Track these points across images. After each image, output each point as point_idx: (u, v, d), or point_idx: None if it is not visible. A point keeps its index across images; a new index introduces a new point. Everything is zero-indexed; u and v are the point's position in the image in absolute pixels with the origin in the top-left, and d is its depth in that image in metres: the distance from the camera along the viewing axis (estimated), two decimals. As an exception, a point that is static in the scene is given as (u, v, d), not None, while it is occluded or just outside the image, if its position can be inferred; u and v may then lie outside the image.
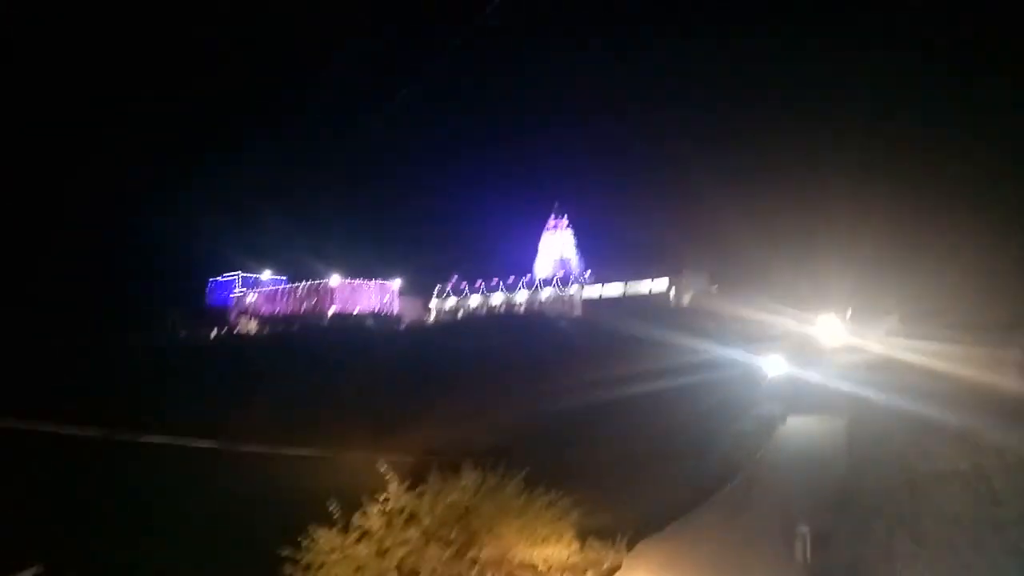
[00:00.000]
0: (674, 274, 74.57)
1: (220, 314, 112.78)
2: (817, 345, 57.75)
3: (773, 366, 44.77)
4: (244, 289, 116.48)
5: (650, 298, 72.71)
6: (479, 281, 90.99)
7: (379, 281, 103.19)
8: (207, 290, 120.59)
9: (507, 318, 73.20)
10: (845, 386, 39.06)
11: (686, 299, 72.14)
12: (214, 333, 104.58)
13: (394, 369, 52.73)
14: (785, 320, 58.66)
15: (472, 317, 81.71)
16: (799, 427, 35.41)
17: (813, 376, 45.05)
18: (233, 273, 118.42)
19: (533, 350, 56.67)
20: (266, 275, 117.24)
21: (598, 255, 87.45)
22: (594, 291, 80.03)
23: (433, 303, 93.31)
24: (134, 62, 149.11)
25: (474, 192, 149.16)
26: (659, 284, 74.84)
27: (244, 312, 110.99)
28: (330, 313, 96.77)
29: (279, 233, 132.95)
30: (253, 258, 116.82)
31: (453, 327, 76.75)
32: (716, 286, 72.98)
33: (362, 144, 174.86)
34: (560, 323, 69.19)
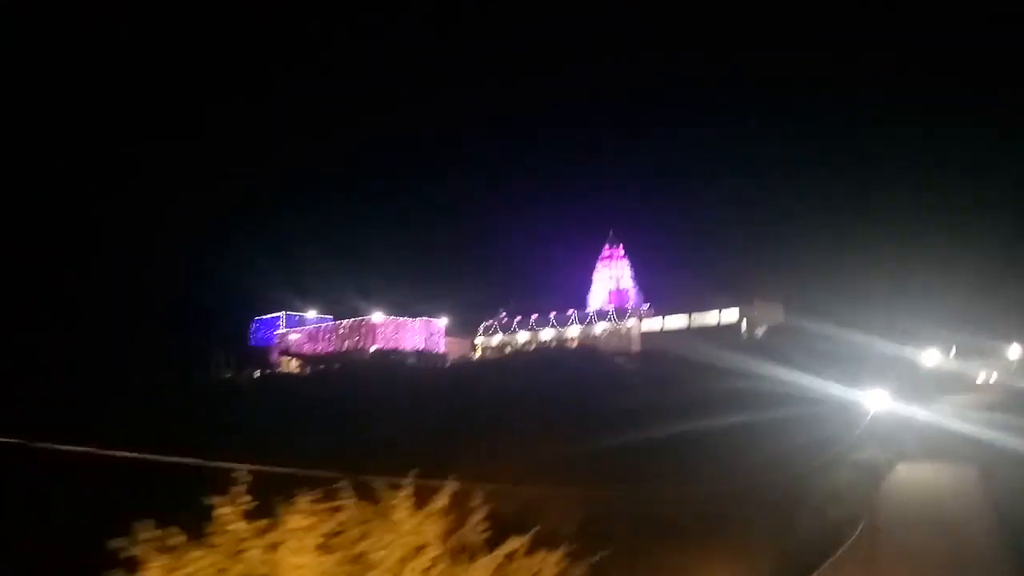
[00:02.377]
0: (745, 304, 66.48)
1: (263, 354, 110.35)
2: (923, 379, 50.10)
3: (874, 401, 37.85)
4: (287, 328, 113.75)
5: (719, 330, 64.71)
6: (529, 316, 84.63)
7: (424, 319, 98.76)
8: (251, 330, 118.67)
9: (556, 354, 66.08)
10: (966, 428, 33.80)
11: (760, 331, 63.87)
12: (257, 373, 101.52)
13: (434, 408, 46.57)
14: (882, 352, 50.76)
15: (519, 354, 74.87)
16: (915, 477, 28.70)
17: (923, 415, 37.93)
18: (278, 312, 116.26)
19: (582, 388, 49.78)
20: (311, 314, 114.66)
21: (657, 286, 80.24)
22: (654, 323, 72.44)
23: (479, 340, 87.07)
24: (179, 100, 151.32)
25: (525, 224, 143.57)
26: (728, 315, 66.82)
27: (286, 351, 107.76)
28: (371, 351, 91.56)
29: (326, 272, 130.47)
30: (300, 297, 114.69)
31: (496, 365, 70.10)
32: (792, 317, 64.46)
33: (410, 180, 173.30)
34: (616, 359, 61.73)
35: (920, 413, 38.15)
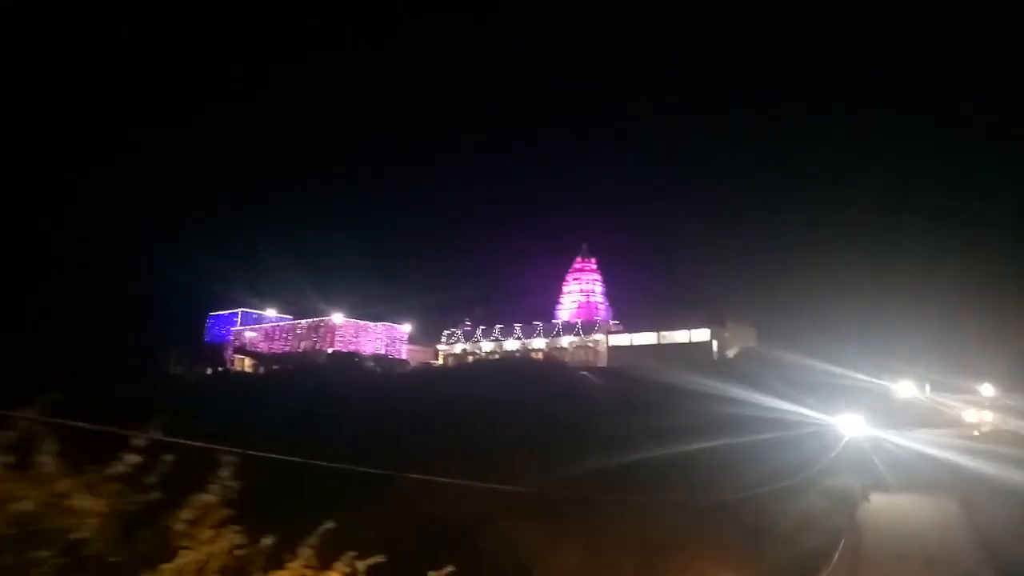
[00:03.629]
0: (716, 325, 64.48)
1: (217, 351, 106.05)
2: (897, 411, 48.85)
3: (849, 427, 36.28)
4: (244, 326, 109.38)
5: (688, 349, 62.58)
6: (495, 326, 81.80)
7: (386, 324, 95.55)
8: (206, 326, 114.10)
9: (518, 365, 63.23)
10: (944, 455, 31.88)
11: (730, 353, 61.87)
12: (208, 371, 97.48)
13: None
14: (855, 382, 49.29)
15: (480, 364, 71.85)
16: (892, 508, 26.95)
17: (899, 442, 36.53)
18: (235, 309, 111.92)
19: (547, 401, 47.07)
20: (270, 312, 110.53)
21: (628, 302, 78.17)
22: (622, 339, 70.03)
23: (441, 347, 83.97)
24: (140, 91, 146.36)
25: (495, 233, 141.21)
26: (699, 335, 64.73)
27: (241, 349, 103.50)
28: (329, 353, 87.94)
29: (289, 271, 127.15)
30: (260, 295, 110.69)
31: (456, 373, 67.06)
32: (764, 342, 62.71)
33: (381, 184, 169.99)
34: (582, 373, 59.17)
35: (896, 440, 36.80)
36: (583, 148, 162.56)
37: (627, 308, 76.18)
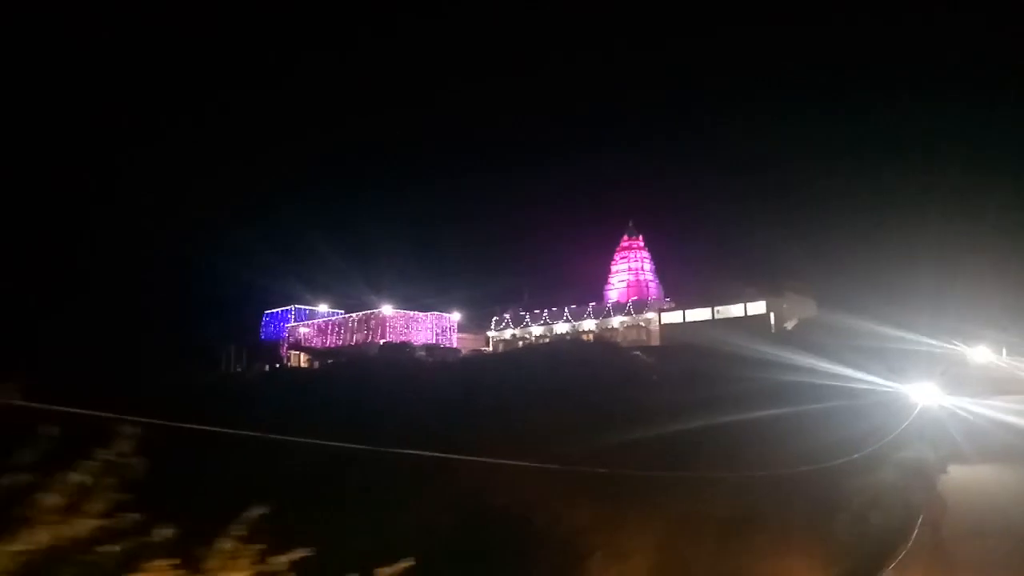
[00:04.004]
0: (773, 297, 61.82)
1: (273, 348, 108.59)
2: (973, 377, 46.03)
3: (922, 395, 34.21)
4: (297, 322, 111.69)
5: (745, 323, 60.16)
6: (544, 309, 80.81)
7: (436, 313, 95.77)
8: (261, 324, 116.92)
9: (568, 348, 61.97)
10: None
11: (789, 325, 59.24)
12: (267, 368, 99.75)
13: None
14: (927, 348, 46.48)
15: (529, 349, 70.93)
16: (972, 481, 25.09)
17: (977, 410, 34.24)
18: (288, 306, 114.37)
19: (596, 382, 45.78)
20: (322, 308, 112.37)
21: (679, 278, 75.90)
22: (675, 316, 67.95)
23: (491, 333, 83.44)
24: (187, 95, 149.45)
25: (542, 216, 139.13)
26: (755, 308, 62.19)
27: (295, 345, 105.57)
28: (380, 344, 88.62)
29: (340, 266, 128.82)
30: (312, 291, 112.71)
31: (507, 358, 66.32)
32: (825, 311, 59.77)
33: (426, 173, 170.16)
34: (634, 352, 57.59)
35: (973, 408, 34.61)
36: (623, 124, 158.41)
37: (679, 284, 74.14)
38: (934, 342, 48.31)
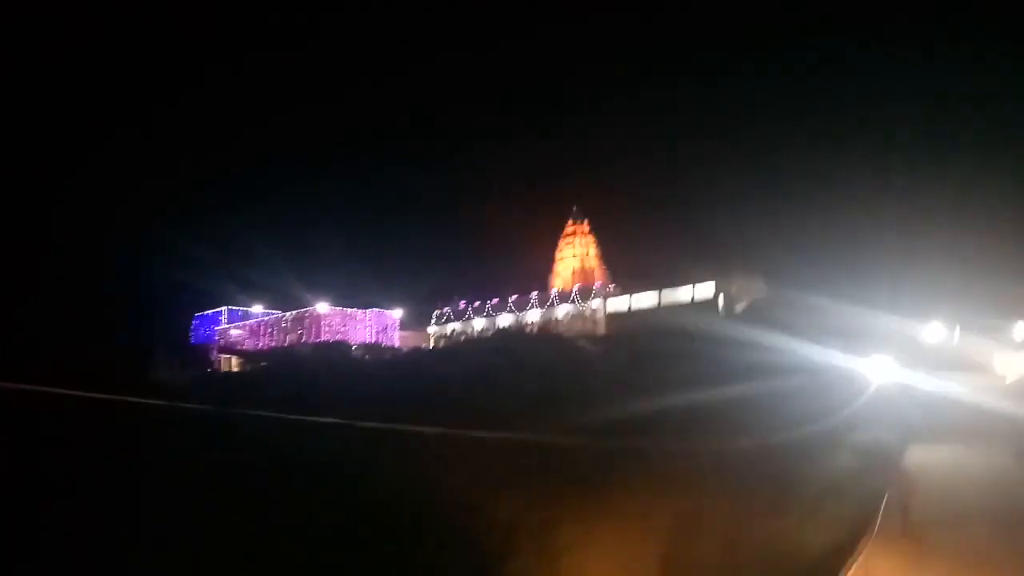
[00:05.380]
0: (721, 278, 59.37)
1: (204, 352, 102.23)
2: (926, 354, 44.39)
3: (876, 371, 32.54)
4: (229, 323, 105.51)
5: (693, 307, 57.56)
6: (487, 302, 77.04)
7: (376, 310, 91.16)
8: (192, 327, 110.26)
9: (510, 340, 58.42)
10: (980, 401, 28.25)
11: (739, 306, 56.82)
12: (194, 373, 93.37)
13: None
14: (880, 326, 44.49)
15: (472, 342, 67.17)
16: (937, 463, 22.86)
17: (934, 386, 32.61)
18: (220, 307, 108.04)
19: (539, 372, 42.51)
20: (256, 308, 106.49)
21: (626, 263, 73.00)
22: (621, 303, 65.02)
23: (432, 329, 79.40)
24: (116, 87, 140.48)
25: (481, 205, 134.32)
26: (703, 290, 59.65)
27: (226, 348, 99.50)
28: (314, 344, 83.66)
29: (275, 265, 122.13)
30: (247, 291, 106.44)
31: (445, 353, 62.45)
32: (776, 290, 57.58)
33: (361, 166, 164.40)
34: (579, 342, 54.42)
35: (926, 387, 32.89)
36: (561, 105, 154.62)
37: (626, 270, 71.26)
38: (888, 320, 46.39)
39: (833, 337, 38.56)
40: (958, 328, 51.26)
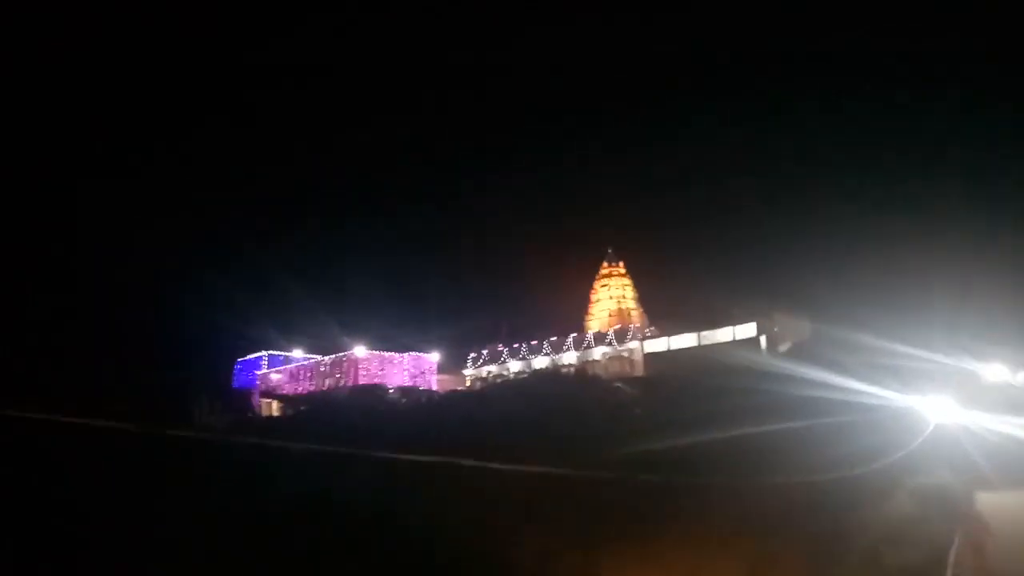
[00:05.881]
0: (763, 319, 57.53)
1: (245, 397, 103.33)
2: (987, 393, 41.80)
3: (937, 410, 30.42)
4: (270, 368, 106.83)
5: (733, 346, 55.71)
6: (523, 344, 76.28)
7: (414, 354, 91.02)
8: (234, 372, 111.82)
9: (541, 383, 57.33)
10: None
11: (783, 346, 54.80)
12: (237, 418, 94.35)
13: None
14: (937, 366, 42.23)
15: (506, 386, 66.17)
16: (1004, 511, 20.76)
17: (1001, 428, 30.34)
18: (260, 352, 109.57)
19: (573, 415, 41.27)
20: (297, 353, 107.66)
21: (663, 304, 71.56)
22: (659, 344, 63.46)
23: (468, 371, 78.72)
24: (146, 128, 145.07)
25: (517, 248, 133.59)
26: (744, 331, 57.80)
27: (267, 393, 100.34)
28: (351, 388, 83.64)
29: (315, 310, 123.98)
30: (287, 336, 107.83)
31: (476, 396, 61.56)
32: (822, 331, 55.38)
33: (398, 210, 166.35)
34: (616, 384, 53.08)
35: (992, 426, 30.54)
36: (596, 145, 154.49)
37: (663, 311, 69.74)
38: (947, 360, 44.01)
39: (886, 376, 36.67)
40: (1022, 368, 48.41)
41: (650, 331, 67.79)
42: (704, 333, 59.92)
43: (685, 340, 61.09)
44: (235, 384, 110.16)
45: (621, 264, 77.77)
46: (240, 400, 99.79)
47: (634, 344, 65.74)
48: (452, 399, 63.82)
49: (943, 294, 53.13)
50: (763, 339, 56.76)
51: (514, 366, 74.67)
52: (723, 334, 58.78)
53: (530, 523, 16.97)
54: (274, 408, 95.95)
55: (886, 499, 21.09)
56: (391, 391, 78.66)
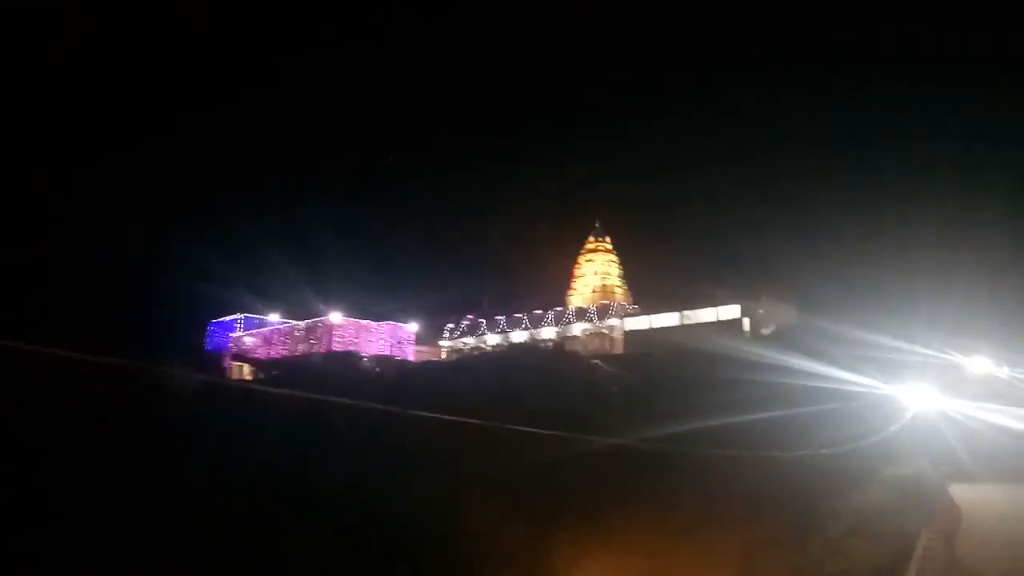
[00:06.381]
0: (748, 300, 56.14)
1: (217, 359, 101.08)
2: (970, 384, 41.11)
3: (916, 398, 29.94)
4: (244, 331, 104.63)
5: (716, 327, 54.42)
6: (502, 317, 74.64)
7: (391, 323, 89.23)
8: (207, 334, 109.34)
9: (517, 356, 55.82)
10: None
11: (766, 330, 53.52)
12: (206, 381, 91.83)
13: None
14: (923, 357, 41.23)
15: (481, 357, 64.64)
16: (982, 506, 20.30)
17: (980, 416, 29.66)
18: (235, 315, 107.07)
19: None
20: (273, 317, 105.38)
21: (649, 282, 70.14)
22: (640, 322, 62.01)
23: (444, 343, 77.13)
24: (137, 93, 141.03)
25: (502, 220, 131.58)
26: (728, 312, 56.42)
27: (239, 356, 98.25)
28: (324, 354, 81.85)
29: (296, 275, 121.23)
30: (266, 300, 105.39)
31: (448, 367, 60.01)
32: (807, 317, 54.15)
33: (383, 177, 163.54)
34: (593, 361, 51.61)
35: (975, 414, 29.83)
36: (588, 121, 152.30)
37: (648, 289, 68.27)
38: (929, 351, 43.02)
39: (868, 365, 35.63)
40: (1006, 365, 47.69)
41: (632, 308, 66.31)
42: (687, 313, 58.50)
43: (667, 319, 59.67)
44: (208, 346, 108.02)
45: (608, 239, 75.99)
46: (213, 363, 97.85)
47: (615, 321, 64.24)
48: (426, 368, 62.27)
49: (927, 286, 52.27)
50: (746, 322, 55.43)
51: (492, 339, 73.03)
52: (706, 314, 57.39)
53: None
54: (246, 372, 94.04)
55: (857, 490, 20.27)
56: (365, 359, 76.89)
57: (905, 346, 41.42)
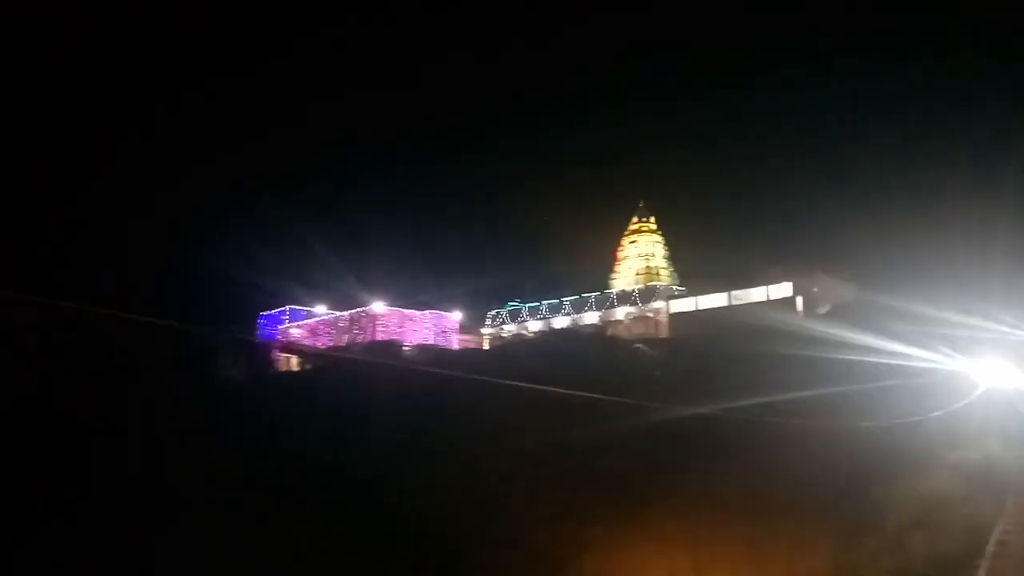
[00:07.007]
0: (801, 278, 52.79)
1: (265, 351, 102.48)
2: None
3: (987, 373, 27.23)
4: (291, 323, 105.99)
5: (766, 306, 51.33)
6: (541, 304, 72.92)
7: (435, 312, 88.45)
8: (256, 326, 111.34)
9: (556, 343, 53.83)
10: None
11: (822, 309, 50.18)
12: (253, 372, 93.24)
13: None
14: (996, 334, 37.90)
15: (521, 344, 63.09)
16: None
17: None
18: (283, 307, 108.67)
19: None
20: (320, 308, 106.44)
21: (696, 265, 66.97)
22: (686, 304, 59.24)
23: (486, 331, 75.79)
24: (172, 90, 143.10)
25: (544, 202, 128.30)
26: (779, 291, 53.18)
27: (286, 348, 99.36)
28: (367, 344, 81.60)
29: (339, 265, 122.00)
30: (313, 291, 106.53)
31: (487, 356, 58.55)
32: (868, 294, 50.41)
33: (423, 165, 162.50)
34: (635, 346, 49.41)
35: None
36: (629, 97, 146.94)
37: (695, 270, 65.28)
38: (1004, 327, 39.48)
39: (935, 341, 32.68)
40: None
41: (678, 290, 63.55)
42: (736, 293, 55.41)
43: (715, 300, 56.72)
44: (258, 339, 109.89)
45: (652, 220, 73.10)
46: (260, 354, 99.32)
47: (659, 304, 61.62)
48: (466, 357, 61.02)
49: (1001, 259, 47.82)
50: (799, 300, 52.09)
51: (533, 326, 71.32)
52: (756, 294, 54.24)
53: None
54: (293, 363, 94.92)
55: (919, 476, 17.94)
56: (407, 348, 76.27)
57: (976, 322, 38.16)
